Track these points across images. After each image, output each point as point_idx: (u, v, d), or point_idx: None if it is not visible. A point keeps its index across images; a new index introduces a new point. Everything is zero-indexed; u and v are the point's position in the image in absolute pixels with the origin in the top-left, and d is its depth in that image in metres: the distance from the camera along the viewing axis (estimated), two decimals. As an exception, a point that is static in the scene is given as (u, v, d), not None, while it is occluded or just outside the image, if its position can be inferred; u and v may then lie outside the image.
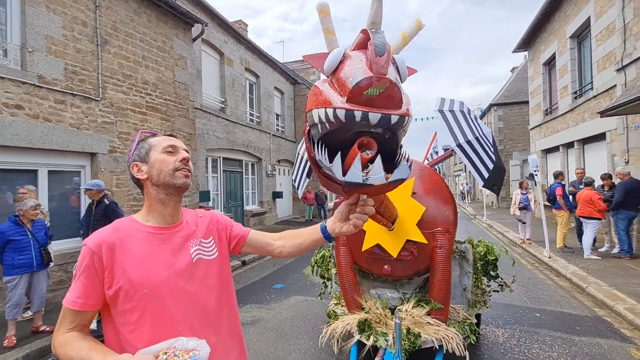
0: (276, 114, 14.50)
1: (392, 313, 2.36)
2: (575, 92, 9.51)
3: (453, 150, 2.81)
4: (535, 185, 6.93)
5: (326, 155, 0.91)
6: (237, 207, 11.25)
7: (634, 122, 6.44)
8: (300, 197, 3.28)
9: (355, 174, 0.85)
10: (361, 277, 3.02)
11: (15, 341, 3.42)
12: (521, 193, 7.92)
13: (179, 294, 0.97)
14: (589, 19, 8.33)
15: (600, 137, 8.05)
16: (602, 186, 6.66)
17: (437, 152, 5.95)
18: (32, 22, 4.83)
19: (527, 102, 14.31)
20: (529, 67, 13.14)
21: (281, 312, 4.38)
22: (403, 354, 2.29)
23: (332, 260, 3.37)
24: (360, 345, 2.61)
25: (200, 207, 7.70)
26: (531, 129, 13.00)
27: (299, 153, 3.21)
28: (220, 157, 10.25)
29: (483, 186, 2.71)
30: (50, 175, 5.19)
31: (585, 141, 9.04)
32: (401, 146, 0.98)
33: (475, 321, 2.97)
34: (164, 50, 7.03)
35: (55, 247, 4.92)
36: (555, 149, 11.00)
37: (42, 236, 3.70)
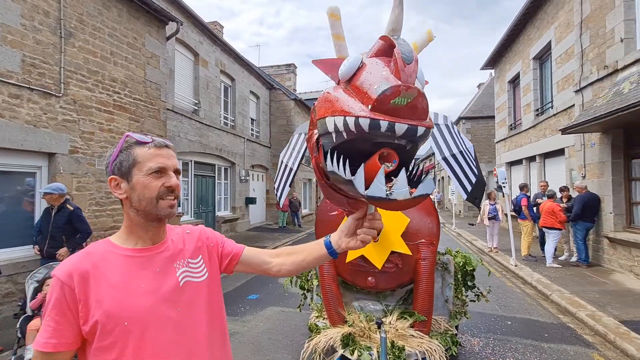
0: (251, 119, 14.25)
1: (379, 327, 2.31)
2: (537, 110, 10.17)
3: (435, 162, 2.85)
4: (504, 196, 7.27)
5: (347, 167, 0.85)
6: (209, 212, 10.85)
7: (590, 140, 6.96)
8: (281, 206, 3.17)
9: (378, 188, 0.80)
10: (344, 289, 2.96)
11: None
12: (490, 204, 8.27)
13: (164, 324, 0.84)
14: (550, 42, 8.97)
15: (560, 152, 8.63)
16: (561, 198, 7.12)
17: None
18: (-15, 7, 4.39)
19: (493, 117, 15.13)
20: (495, 84, 13.92)
21: (257, 324, 4.20)
22: (388, 369, 2.24)
23: (314, 271, 3.29)
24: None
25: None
26: (497, 142, 13.72)
27: (282, 161, 3.11)
28: (191, 160, 9.86)
29: (466, 199, 2.76)
30: (1, 176, 4.70)
31: (546, 155, 9.66)
32: (416, 159, 0.93)
33: (456, 332, 3.00)
34: (134, 47, 6.68)
35: (4, 255, 4.44)
36: (518, 162, 11.67)
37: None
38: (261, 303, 5.01)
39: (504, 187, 6.94)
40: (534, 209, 7.53)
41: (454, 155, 2.63)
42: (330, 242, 1.04)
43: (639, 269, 5.68)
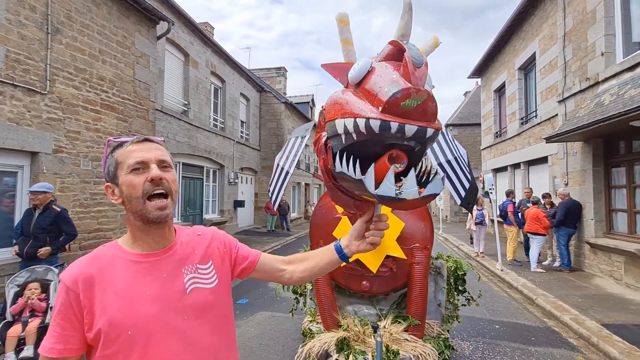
0: (241, 121, 14.16)
1: (375, 331, 2.32)
2: (522, 118, 10.48)
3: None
4: (491, 202, 7.43)
5: (358, 167, 0.86)
6: (196, 215, 10.67)
7: (572, 149, 7.21)
8: (275, 209, 3.16)
9: (388, 188, 0.81)
10: (337, 293, 2.95)
11: None
12: (477, 209, 8.44)
13: (170, 333, 0.81)
14: (534, 54, 9.28)
15: (543, 160, 8.90)
16: (544, 204, 7.33)
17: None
18: (-32, -1, 4.23)
19: (479, 124, 15.50)
20: (482, 92, 14.28)
21: (247, 329, 4.14)
22: (384, 374, 2.24)
23: (307, 276, 3.27)
24: (337, 365, 2.52)
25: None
26: (483, 149, 14.05)
27: (278, 164, 3.10)
28: (179, 162, 9.70)
29: (460, 204, 2.81)
30: (-21, 176, 4.51)
31: (530, 163, 9.94)
32: (424, 160, 0.95)
33: (449, 336, 3.03)
34: (124, 46, 6.55)
35: (-19, 259, 4.25)
36: (504, 169, 11.97)
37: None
38: (251, 307, 4.95)
39: (491, 193, 7.10)
40: (519, 214, 7.73)
41: (449, 162, 2.67)
42: (340, 246, 1.04)
43: (618, 274, 5.89)
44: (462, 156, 2.75)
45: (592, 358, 3.52)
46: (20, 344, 2.98)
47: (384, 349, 2.41)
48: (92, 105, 5.86)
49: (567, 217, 6.65)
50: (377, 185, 0.82)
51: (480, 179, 7.90)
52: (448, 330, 3.41)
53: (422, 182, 0.90)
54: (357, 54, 1.28)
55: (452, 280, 3.09)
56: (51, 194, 3.65)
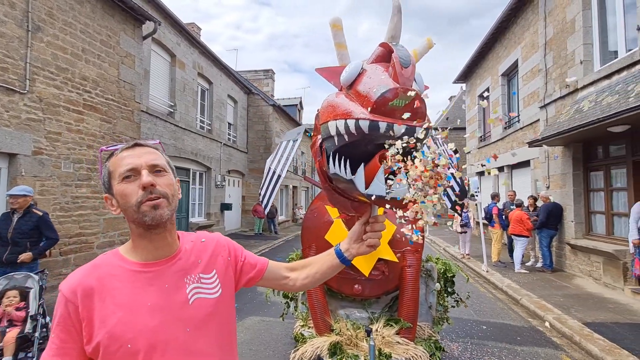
0: (228, 123, 14.01)
1: (368, 335, 2.32)
2: (505, 123, 10.77)
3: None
4: (476, 205, 7.59)
5: (348, 166, 0.88)
6: (182, 218, 10.46)
7: (553, 153, 7.45)
8: (266, 212, 3.13)
9: (378, 187, 0.83)
10: (329, 297, 2.94)
11: None
12: (463, 212, 8.59)
13: (171, 346, 0.77)
14: (517, 61, 9.57)
15: (526, 164, 9.17)
16: (527, 206, 7.55)
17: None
18: (-58, -6, 4.04)
19: (464, 129, 15.84)
20: (466, 97, 14.62)
21: (237, 335, 4.07)
22: (377, 377, 2.25)
23: (298, 280, 3.25)
24: (330, 369, 2.51)
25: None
26: (467, 153, 14.35)
27: (269, 167, 3.08)
28: (165, 164, 9.50)
29: (450, 208, 2.86)
30: (-48, 178, 4.30)
31: (513, 167, 10.22)
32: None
33: (439, 338, 3.06)
34: (108, 46, 6.39)
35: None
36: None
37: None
38: (240, 312, 4.87)
39: (477, 196, 7.25)
40: (503, 216, 7.92)
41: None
42: (340, 250, 1.03)
43: (597, 274, 6.10)
44: (453, 161, 2.80)
45: (575, 356, 3.63)
46: (-3, 355, 2.84)
47: (376, 352, 2.42)
48: (74, 105, 5.68)
49: (549, 219, 6.86)
50: (367, 185, 0.83)
51: (466, 182, 8.05)
52: (438, 332, 3.46)
53: None
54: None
55: (441, 282, 3.13)
56: (31, 197, 3.50)
